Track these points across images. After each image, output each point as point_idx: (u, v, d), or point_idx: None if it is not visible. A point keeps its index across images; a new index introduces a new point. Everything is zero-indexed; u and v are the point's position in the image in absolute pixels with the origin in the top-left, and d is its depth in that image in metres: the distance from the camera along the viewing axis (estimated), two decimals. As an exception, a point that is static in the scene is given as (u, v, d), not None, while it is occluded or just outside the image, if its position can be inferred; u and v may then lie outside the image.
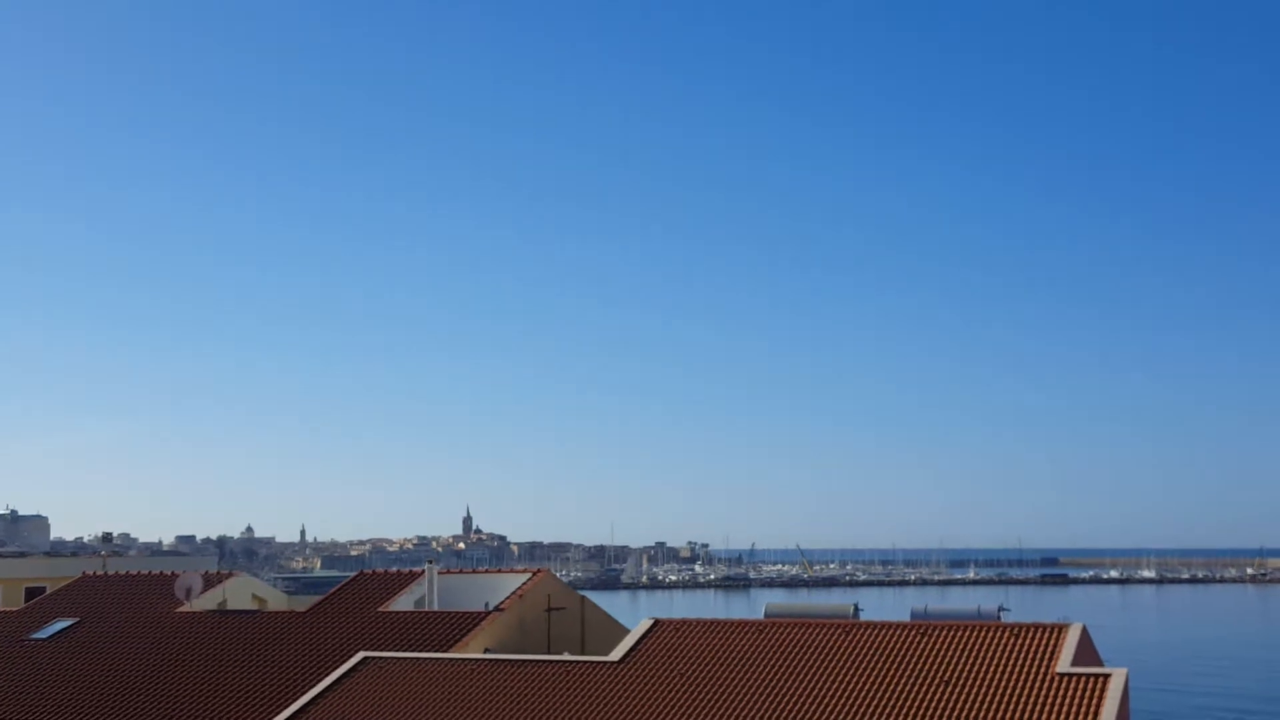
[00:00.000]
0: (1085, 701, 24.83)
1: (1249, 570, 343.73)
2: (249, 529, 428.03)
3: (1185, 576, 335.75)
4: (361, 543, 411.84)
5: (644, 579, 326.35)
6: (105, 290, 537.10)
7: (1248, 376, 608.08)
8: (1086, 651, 28.08)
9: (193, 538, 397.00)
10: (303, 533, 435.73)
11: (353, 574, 42.47)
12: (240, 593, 42.28)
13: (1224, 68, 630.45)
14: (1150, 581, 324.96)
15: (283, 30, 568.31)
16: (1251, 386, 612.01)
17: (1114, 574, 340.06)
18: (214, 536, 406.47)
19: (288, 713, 29.54)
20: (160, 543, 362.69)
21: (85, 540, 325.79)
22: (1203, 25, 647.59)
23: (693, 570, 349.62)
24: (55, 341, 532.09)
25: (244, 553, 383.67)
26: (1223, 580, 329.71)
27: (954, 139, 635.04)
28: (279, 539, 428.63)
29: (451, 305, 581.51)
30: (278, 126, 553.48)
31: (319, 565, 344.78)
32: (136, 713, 32.54)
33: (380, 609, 37.13)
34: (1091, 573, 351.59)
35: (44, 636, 38.23)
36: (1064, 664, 26.33)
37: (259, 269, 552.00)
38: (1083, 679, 25.64)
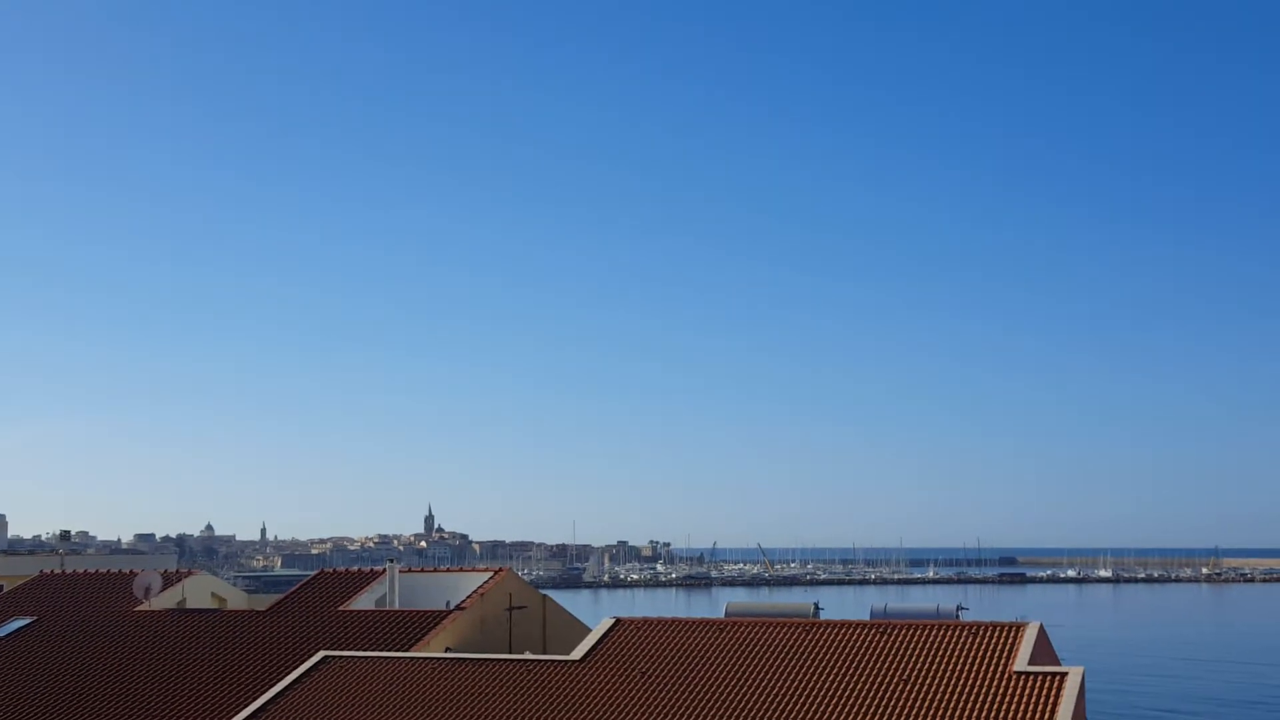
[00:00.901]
0: (1042, 700, 25.09)
1: (1204, 570, 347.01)
2: (209, 527, 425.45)
3: (1141, 576, 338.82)
4: (322, 541, 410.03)
5: (606, 578, 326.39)
6: (63, 287, 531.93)
7: (1205, 379, 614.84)
8: (1043, 650, 28.37)
9: (152, 536, 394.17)
10: (263, 531, 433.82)
11: (313, 573, 42.35)
12: (200, 591, 42.09)
13: (1189, 57, 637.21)
14: (1107, 581, 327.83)
15: (273, 34, 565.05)
16: (1208, 389, 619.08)
17: (1071, 573, 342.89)
18: (173, 535, 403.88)
19: (247, 712, 29.45)
20: (119, 541, 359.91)
21: (43, 538, 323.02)
22: (1185, 20, 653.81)
23: (654, 569, 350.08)
24: (13, 338, 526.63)
25: (204, 551, 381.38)
26: (1178, 580, 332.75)
27: (927, 131, 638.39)
28: (239, 537, 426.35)
29: (413, 304, 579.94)
30: (241, 123, 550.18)
31: (279, 564, 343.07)
32: (94, 712, 32.34)
33: (341, 608, 37.06)
34: (1049, 572, 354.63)
35: (0, 635, 37.93)
36: (1021, 662, 26.59)
37: (219, 268, 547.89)
38: (1039, 677, 25.91)
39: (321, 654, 31.76)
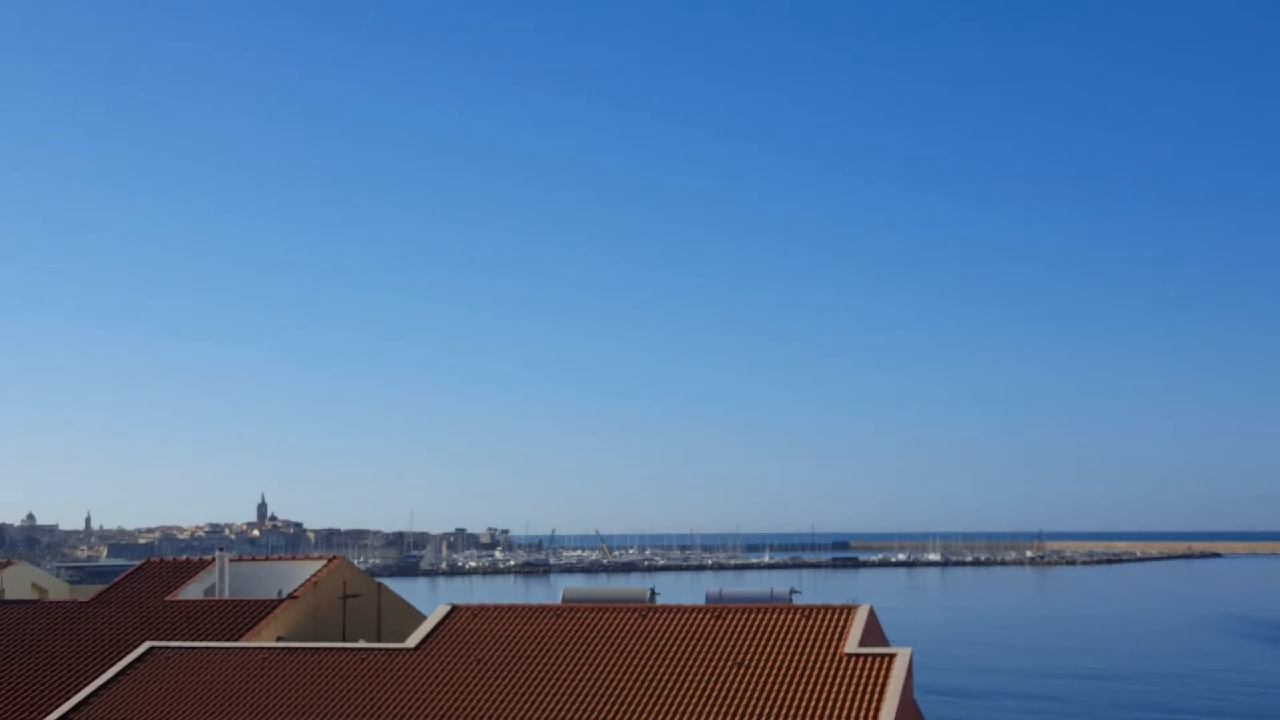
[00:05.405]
0: (871, 680, 25.65)
1: (1028, 553, 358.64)
2: (30, 516, 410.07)
3: (968, 559, 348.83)
4: (150, 530, 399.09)
5: (444, 565, 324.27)
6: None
7: (1030, 366, 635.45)
8: (873, 632, 28.99)
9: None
10: (88, 520, 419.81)
11: (140, 562, 41.30)
12: (19, 582, 40.79)
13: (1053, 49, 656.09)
14: (936, 564, 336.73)
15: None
16: (1033, 377, 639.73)
17: (901, 557, 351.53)
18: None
19: (69, 705, 28.55)
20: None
21: None
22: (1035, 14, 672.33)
23: (493, 556, 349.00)
24: None
25: (25, 541, 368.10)
26: (1003, 563, 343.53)
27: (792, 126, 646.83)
28: (62, 526, 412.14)
29: (240, 289, 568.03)
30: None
31: (105, 554, 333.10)
32: (-96, 709, 31.08)
33: (168, 598, 36.21)
34: (880, 556, 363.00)
35: None
36: (852, 644, 27.14)
37: (41, 253, 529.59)
38: (869, 659, 26.48)
39: (147, 645, 30.94)
